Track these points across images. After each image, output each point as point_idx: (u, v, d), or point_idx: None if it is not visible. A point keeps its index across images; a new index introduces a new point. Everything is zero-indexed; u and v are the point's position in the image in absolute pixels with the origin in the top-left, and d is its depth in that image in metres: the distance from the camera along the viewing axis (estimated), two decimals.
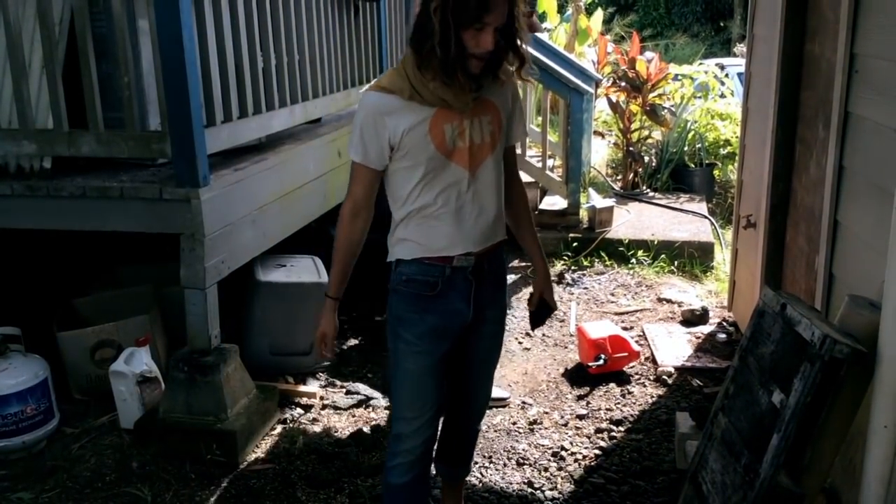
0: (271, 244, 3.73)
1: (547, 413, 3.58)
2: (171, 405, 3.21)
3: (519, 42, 2.11)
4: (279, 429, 3.42)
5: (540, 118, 6.08)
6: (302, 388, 3.71)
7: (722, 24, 21.95)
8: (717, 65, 9.52)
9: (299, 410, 3.58)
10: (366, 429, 3.41)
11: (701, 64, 9.66)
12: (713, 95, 8.15)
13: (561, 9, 11.99)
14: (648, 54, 7.04)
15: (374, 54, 5.08)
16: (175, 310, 3.39)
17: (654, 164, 7.19)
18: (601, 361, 3.80)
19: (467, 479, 3.06)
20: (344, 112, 4.84)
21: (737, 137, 6.63)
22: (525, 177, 5.81)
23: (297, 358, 3.85)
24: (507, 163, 2.37)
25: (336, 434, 3.38)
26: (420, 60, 2.03)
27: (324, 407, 3.62)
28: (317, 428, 3.44)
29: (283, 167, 3.79)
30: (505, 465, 3.19)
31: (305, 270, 3.95)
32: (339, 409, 3.60)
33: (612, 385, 3.79)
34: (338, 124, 4.64)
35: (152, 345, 3.52)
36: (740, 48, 14.70)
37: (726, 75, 9.11)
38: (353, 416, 3.56)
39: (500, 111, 2.20)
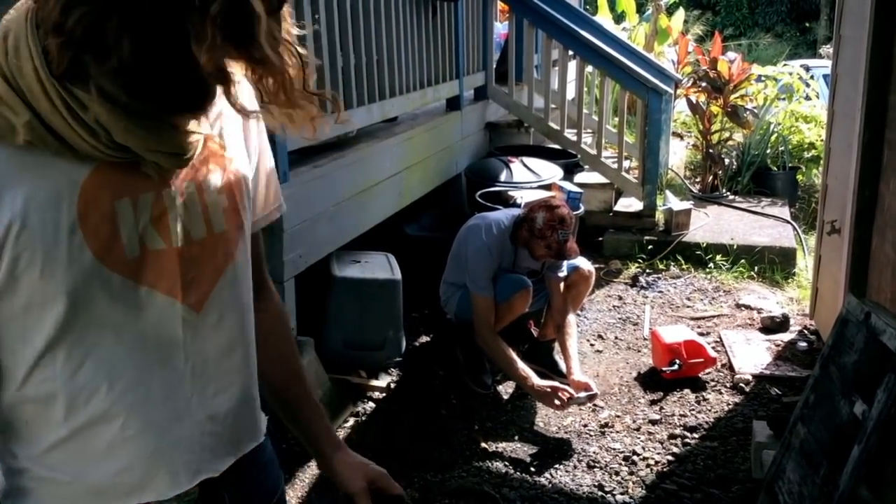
0: (347, 240, 3.81)
1: (619, 416, 3.54)
2: None
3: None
4: (351, 421, 3.47)
5: (616, 119, 6.02)
6: (374, 383, 3.76)
7: (807, 25, 21.36)
8: (801, 66, 9.26)
9: (371, 404, 3.63)
10: (436, 424, 3.45)
11: (785, 65, 9.42)
12: (797, 97, 7.94)
13: (640, 8, 11.85)
14: (731, 54, 6.89)
15: (450, 54, 5.11)
16: None
17: (734, 167, 7.04)
18: (676, 367, 3.74)
19: (537, 479, 3.07)
20: (420, 111, 4.90)
21: (821, 141, 6.44)
22: (600, 178, 5.78)
23: (369, 352, 3.90)
24: (253, 269, 1.15)
25: (406, 428, 3.42)
26: (63, 53, 0.82)
27: (395, 401, 3.66)
28: (388, 422, 3.48)
29: (359, 165, 3.86)
30: (575, 467, 3.17)
31: (379, 267, 4.00)
32: (409, 403, 3.64)
33: (686, 391, 3.73)
34: (414, 123, 4.69)
35: None
36: (826, 49, 14.29)
37: (811, 77, 8.87)
38: (423, 410, 3.59)
39: (238, 168, 1.08)
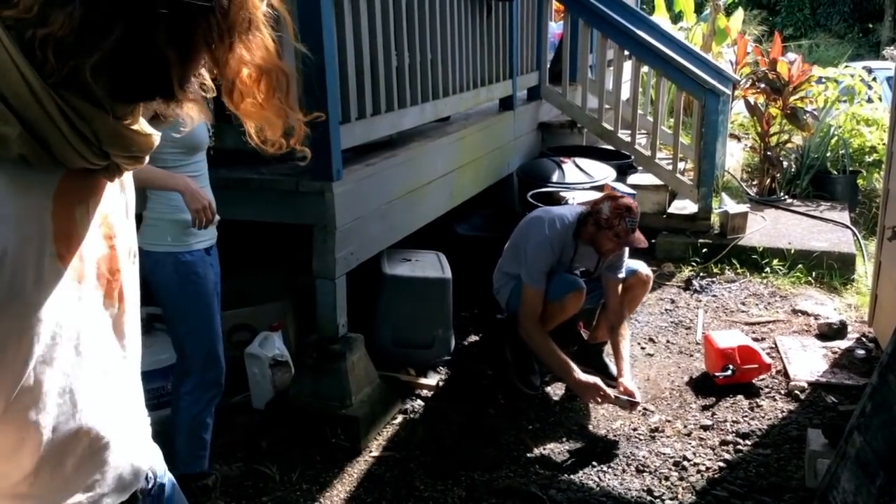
0: (398, 238, 3.83)
1: (669, 421, 3.50)
2: (300, 389, 3.35)
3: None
4: (400, 418, 3.50)
5: (672, 120, 5.94)
6: (422, 381, 3.78)
7: (870, 26, 20.82)
8: (864, 68, 9.04)
9: (419, 402, 3.65)
10: (483, 423, 3.45)
11: (847, 67, 9.19)
12: (859, 100, 7.75)
13: (699, 8, 11.68)
14: (791, 55, 6.76)
15: (504, 54, 5.11)
16: (306, 298, 3.53)
17: (793, 170, 6.90)
18: (729, 372, 3.68)
19: (585, 482, 3.05)
20: (472, 110, 4.90)
21: (884, 144, 6.27)
22: (654, 180, 5.72)
23: (418, 350, 3.92)
24: None
25: (454, 427, 3.43)
26: (66, 64, 0.80)
27: (443, 399, 3.67)
28: (436, 420, 3.49)
29: (411, 164, 3.88)
30: (624, 470, 3.15)
31: (430, 266, 4.02)
32: (458, 402, 3.65)
33: (739, 397, 3.67)
34: (466, 122, 4.70)
35: (284, 330, 3.67)
36: (890, 51, 13.89)
37: (874, 79, 8.66)
38: (471, 410, 3.59)
39: None
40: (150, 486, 1.14)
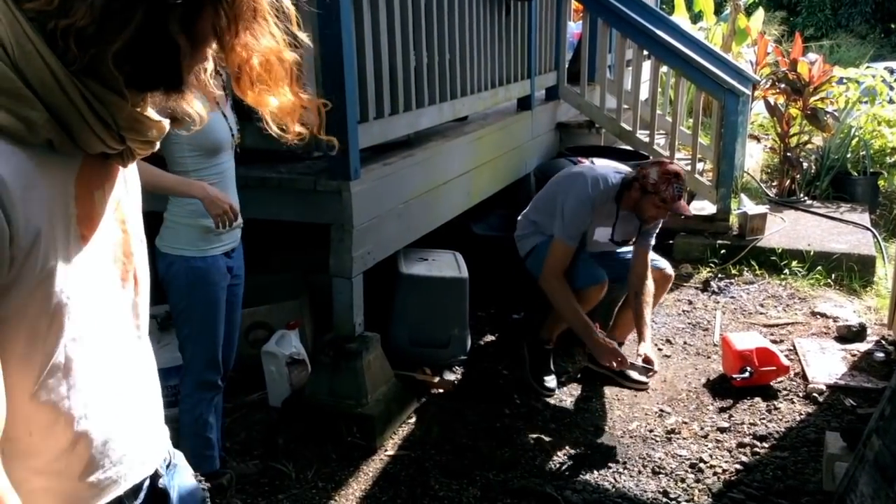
0: (415, 237, 3.84)
1: (686, 423, 3.49)
2: (316, 387, 3.36)
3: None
4: (415, 418, 3.50)
5: (691, 120, 5.92)
6: (438, 380, 3.78)
7: (892, 27, 20.61)
8: (885, 68, 8.96)
9: (435, 401, 3.65)
10: (499, 423, 3.45)
11: (868, 67, 9.11)
12: (880, 101, 7.67)
13: (718, 8, 11.62)
14: (811, 56, 6.70)
15: (523, 54, 5.10)
16: (322, 297, 3.54)
17: (812, 171, 6.84)
18: (747, 374, 3.66)
19: (601, 483, 3.04)
20: (490, 110, 4.90)
21: None
22: None
23: (435, 350, 3.93)
24: None
25: (470, 426, 3.43)
26: (86, 53, 0.84)
27: (459, 399, 3.67)
28: (451, 419, 3.49)
29: (429, 163, 3.89)
30: (640, 472, 3.14)
31: (447, 265, 4.02)
32: (473, 402, 3.65)
33: (757, 399, 3.64)
34: (484, 122, 4.70)
35: (301, 329, 3.68)
36: None
37: (895, 80, 8.56)
38: (487, 409, 3.59)
39: None
40: (166, 462, 1.18)
